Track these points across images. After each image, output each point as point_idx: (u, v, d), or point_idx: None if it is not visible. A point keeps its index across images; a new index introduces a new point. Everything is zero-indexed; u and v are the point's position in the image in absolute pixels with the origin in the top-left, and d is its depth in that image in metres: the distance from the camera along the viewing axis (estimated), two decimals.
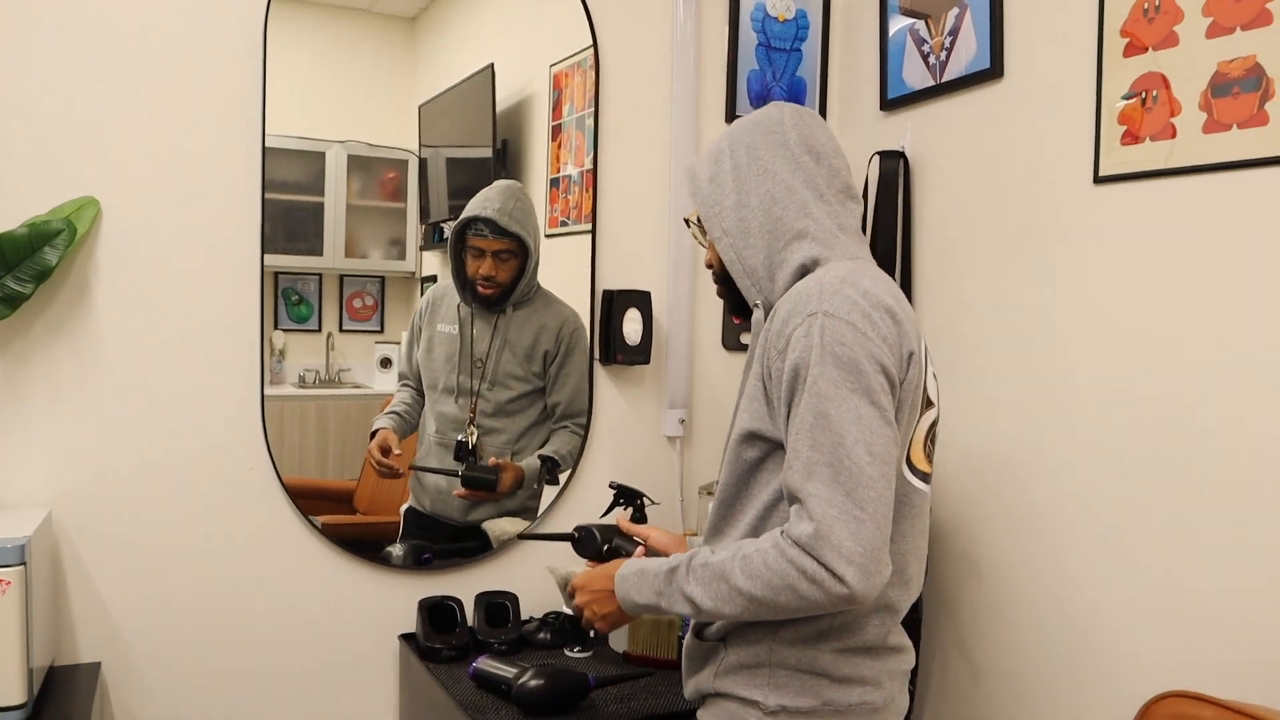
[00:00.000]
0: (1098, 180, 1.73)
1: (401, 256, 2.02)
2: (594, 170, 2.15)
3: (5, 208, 1.69)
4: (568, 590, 1.47)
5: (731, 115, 2.26)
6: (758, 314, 1.39)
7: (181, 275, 1.81)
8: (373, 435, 1.99)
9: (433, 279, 2.04)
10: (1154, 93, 1.64)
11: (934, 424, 1.36)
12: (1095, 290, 1.73)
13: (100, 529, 1.77)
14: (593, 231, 2.16)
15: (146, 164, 1.78)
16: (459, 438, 2.01)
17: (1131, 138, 1.68)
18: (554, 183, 2.14)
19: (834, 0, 2.34)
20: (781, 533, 1.19)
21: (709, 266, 1.49)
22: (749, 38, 2.25)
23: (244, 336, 1.86)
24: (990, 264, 1.94)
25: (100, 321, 1.76)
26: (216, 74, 1.82)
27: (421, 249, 2.04)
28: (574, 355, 2.11)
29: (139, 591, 1.80)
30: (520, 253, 2.02)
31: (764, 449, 1.30)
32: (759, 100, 2.26)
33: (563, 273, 2.15)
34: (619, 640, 1.94)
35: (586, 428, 2.16)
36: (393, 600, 1.99)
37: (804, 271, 1.33)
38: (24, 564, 1.48)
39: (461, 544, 2.06)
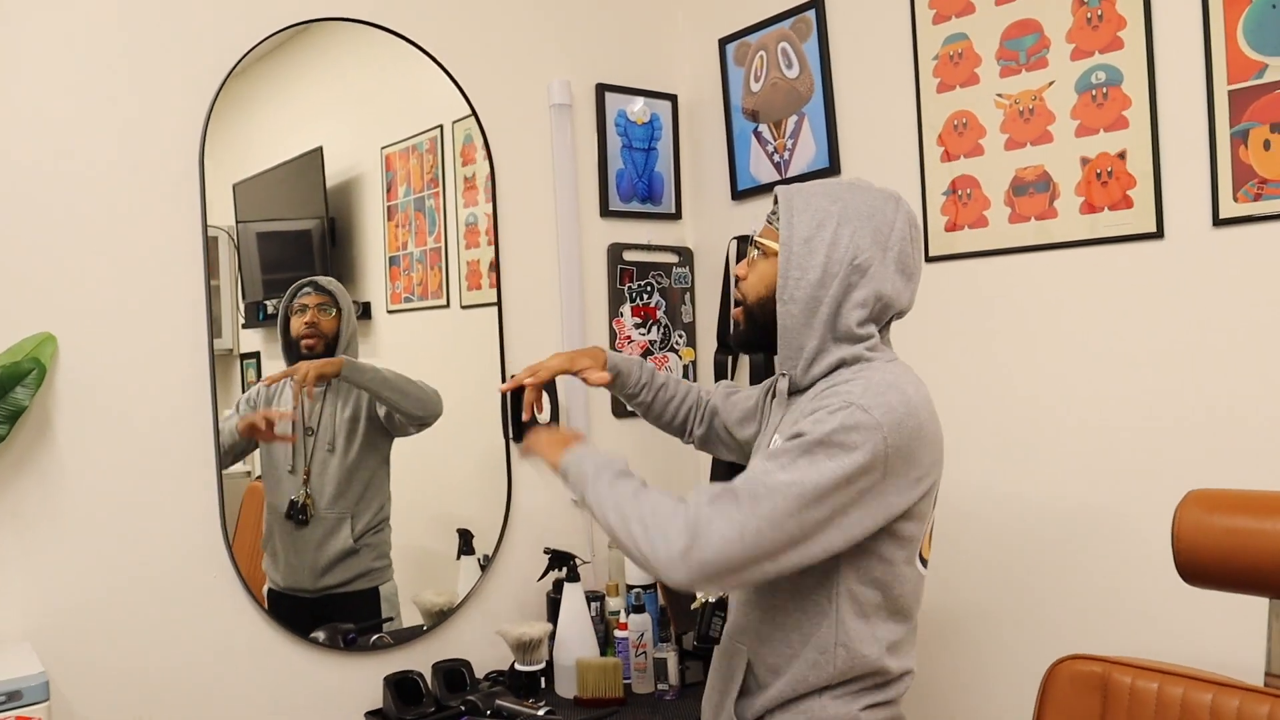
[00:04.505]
0: (929, 260, 2.15)
1: (219, 334, 2.05)
2: (496, 260, 2.35)
3: None
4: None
5: (605, 211, 2.54)
6: (783, 384, 1.43)
7: (135, 402, 1.88)
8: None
9: (255, 355, 2.12)
10: (969, 191, 2.08)
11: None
12: (931, 354, 2.09)
13: (78, 655, 1.80)
14: (500, 321, 2.36)
15: (93, 293, 1.84)
16: (291, 497, 2.11)
17: (953, 226, 2.11)
18: (393, 260, 2.27)
19: (681, 104, 2.68)
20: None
21: (739, 278, 1.47)
22: (615, 141, 2.55)
23: (198, 464, 1.95)
24: None
25: (63, 453, 1.80)
26: (154, 202, 1.91)
27: (244, 326, 2.10)
28: None
29: (121, 713, 1.85)
30: (335, 307, 2.14)
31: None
32: (627, 195, 2.57)
33: (400, 343, 2.26)
34: (568, 687, 2.16)
35: (509, 498, 2.37)
36: (352, 681, 2.11)
37: (840, 365, 1.36)
38: (48, 700, 1.54)
39: (378, 620, 2.21)
